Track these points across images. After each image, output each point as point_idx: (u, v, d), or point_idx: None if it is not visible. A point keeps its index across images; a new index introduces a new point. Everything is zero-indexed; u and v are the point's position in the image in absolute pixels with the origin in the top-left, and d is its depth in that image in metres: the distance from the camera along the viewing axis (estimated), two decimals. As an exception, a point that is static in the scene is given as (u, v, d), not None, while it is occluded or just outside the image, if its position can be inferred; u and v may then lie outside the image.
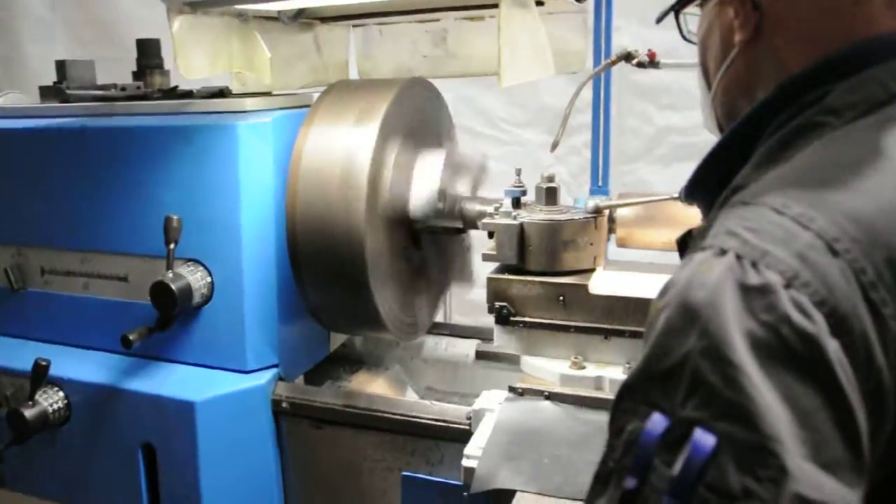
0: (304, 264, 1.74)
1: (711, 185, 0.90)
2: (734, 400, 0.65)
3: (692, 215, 1.67)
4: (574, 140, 3.37)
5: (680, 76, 3.19)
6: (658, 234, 1.76)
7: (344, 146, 1.71)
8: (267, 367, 1.84)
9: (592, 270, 1.69)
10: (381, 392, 2.05)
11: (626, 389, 0.73)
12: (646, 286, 1.64)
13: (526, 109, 3.55)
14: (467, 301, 2.61)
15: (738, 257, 0.70)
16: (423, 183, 1.78)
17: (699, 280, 0.70)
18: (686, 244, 0.92)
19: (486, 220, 1.70)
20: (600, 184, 2.89)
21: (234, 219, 1.76)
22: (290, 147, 1.77)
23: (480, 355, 2.14)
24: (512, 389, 1.62)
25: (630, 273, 1.76)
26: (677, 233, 1.72)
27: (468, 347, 2.22)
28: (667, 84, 3.24)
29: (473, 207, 1.87)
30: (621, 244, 1.80)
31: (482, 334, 2.24)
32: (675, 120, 3.28)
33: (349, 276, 1.68)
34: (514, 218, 1.67)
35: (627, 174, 3.36)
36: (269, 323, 1.83)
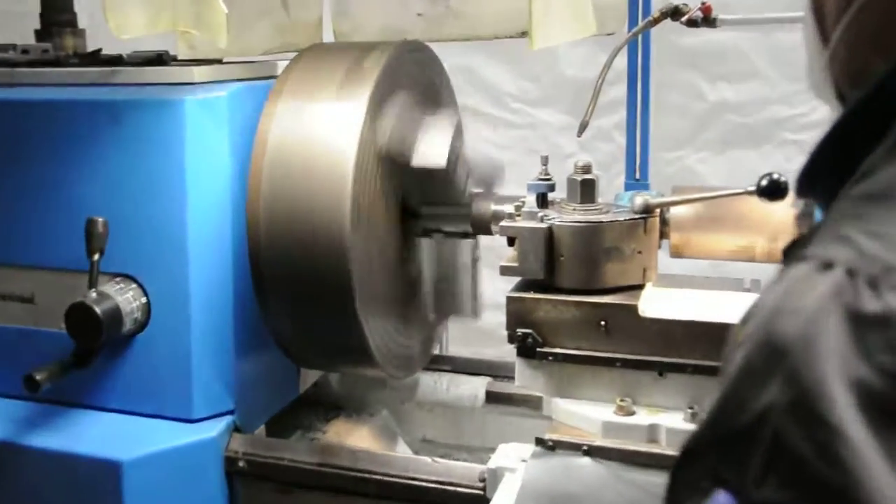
0: (270, 281, 1.73)
1: (831, 173, 0.84)
2: (832, 480, 0.59)
3: (772, 215, 1.69)
4: (602, 121, 3.36)
5: (738, 37, 3.19)
6: (725, 239, 1.73)
7: (322, 128, 1.69)
8: (219, 415, 1.83)
9: (641, 287, 1.67)
10: (365, 446, 2.04)
11: (686, 455, 0.69)
12: (713, 306, 1.60)
13: (541, 83, 3.54)
14: (472, 327, 2.57)
15: (851, 273, 0.65)
16: (429, 152, 1.77)
17: (791, 305, 0.66)
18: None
19: (504, 223, 1.68)
20: (637, 177, 2.89)
21: (178, 222, 1.75)
22: (251, 129, 1.77)
23: (493, 397, 2.16)
24: (540, 442, 1.59)
25: (690, 290, 1.73)
26: (749, 238, 1.76)
27: (476, 387, 2.19)
28: (721, 48, 3.25)
29: (487, 206, 1.84)
30: (676, 253, 1.76)
31: (493, 370, 2.23)
32: (730, 94, 3.29)
33: (329, 296, 1.68)
34: (541, 219, 1.66)
35: (670, 164, 3.37)
36: (223, 356, 1.82)
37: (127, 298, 1.75)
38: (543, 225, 1.64)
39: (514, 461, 1.65)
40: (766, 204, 1.60)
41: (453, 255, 1.89)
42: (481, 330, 3.01)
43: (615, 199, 1.78)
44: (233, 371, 1.84)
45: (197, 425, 1.80)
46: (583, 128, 2.08)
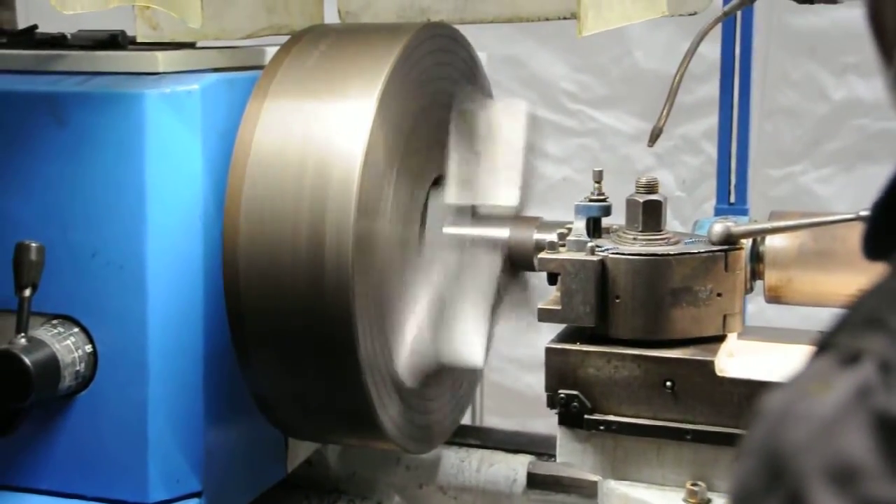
0: (252, 326, 1.76)
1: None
2: None
3: None
4: (688, 128, 3.38)
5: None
6: (837, 279, 1.75)
7: (320, 133, 1.73)
8: (183, 498, 1.85)
9: (722, 339, 1.70)
10: (371, 543, 2.07)
11: None
12: None
13: (608, 79, 3.58)
14: (509, 390, 2.58)
15: (884, 368, 0.65)
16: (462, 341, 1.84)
17: (802, 408, 0.66)
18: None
19: (545, 255, 1.71)
20: (733, 200, 2.90)
21: (134, 249, 1.78)
22: (230, 133, 1.80)
23: (536, 480, 2.17)
24: None
25: (785, 345, 1.76)
26: (871, 278, 1.77)
27: (514, 467, 2.22)
28: (851, 31, 3.24)
29: (528, 233, 1.90)
30: (774, 297, 1.80)
31: (535, 445, 2.26)
32: (864, 91, 3.28)
33: (326, 347, 1.71)
34: (592, 251, 1.68)
35: (779, 184, 3.38)
36: (190, 422, 1.85)
37: (66, 346, 1.76)
38: (594, 258, 1.67)
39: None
40: None
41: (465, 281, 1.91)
42: (523, 395, 3.05)
43: (694, 228, 1.82)
44: (201, 441, 1.85)
45: None
46: (656, 135, 2.11)
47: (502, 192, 1.92)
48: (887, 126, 3.26)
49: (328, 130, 1.74)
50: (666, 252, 1.67)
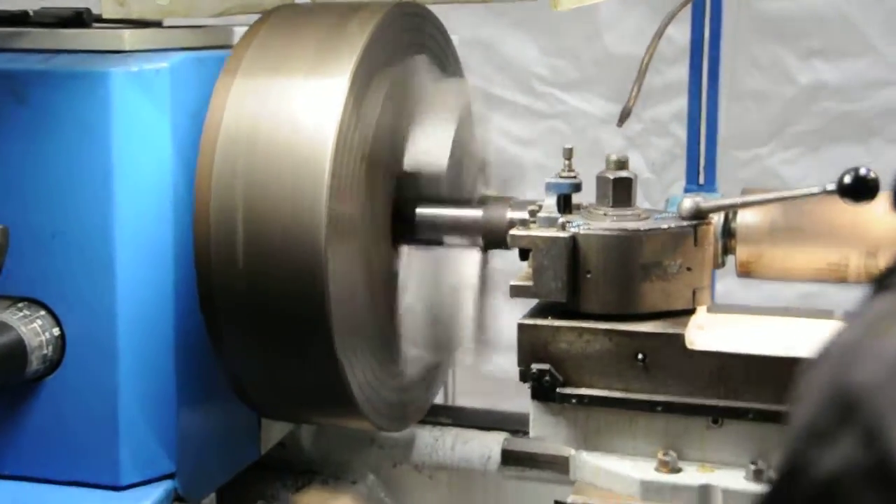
0: (224, 306, 1.74)
1: None
2: None
3: (871, 224, 1.71)
4: (657, 111, 3.36)
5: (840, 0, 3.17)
6: (808, 253, 1.76)
7: (292, 112, 1.71)
8: (155, 480, 1.82)
9: (691, 312, 1.69)
10: (345, 521, 2.05)
11: None
12: (783, 337, 1.62)
13: (578, 62, 3.54)
14: (486, 376, 2.55)
15: None
16: (426, 150, 1.81)
17: (871, 347, 0.67)
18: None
19: (516, 231, 1.69)
20: (702, 181, 2.88)
21: (102, 230, 1.74)
22: (199, 112, 1.77)
23: (511, 457, 2.16)
24: None
25: (754, 317, 1.76)
26: (840, 252, 1.76)
27: (488, 445, 2.20)
28: (817, 14, 3.23)
29: (501, 212, 1.87)
30: (745, 272, 1.79)
31: (510, 423, 2.24)
32: (829, 75, 3.29)
33: (300, 325, 1.70)
34: (563, 227, 1.66)
35: (747, 165, 3.37)
36: (162, 404, 1.82)
37: (33, 329, 1.73)
38: (565, 234, 1.65)
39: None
40: (863, 209, 1.64)
41: (454, 272, 1.89)
42: (498, 380, 3.03)
43: (666, 205, 1.81)
44: (174, 423, 1.83)
45: (127, 494, 1.78)
46: (625, 116, 2.14)
47: (432, 155, 1.86)
48: (851, 109, 3.25)
49: (299, 107, 1.71)
50: (636, 228, 1.66)
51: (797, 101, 3.32)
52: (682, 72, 3.05)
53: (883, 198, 1.61)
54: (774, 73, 3.32)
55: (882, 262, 1.72)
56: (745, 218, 1.75)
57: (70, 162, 1.75)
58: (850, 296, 1.66)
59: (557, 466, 2.10)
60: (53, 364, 1.78)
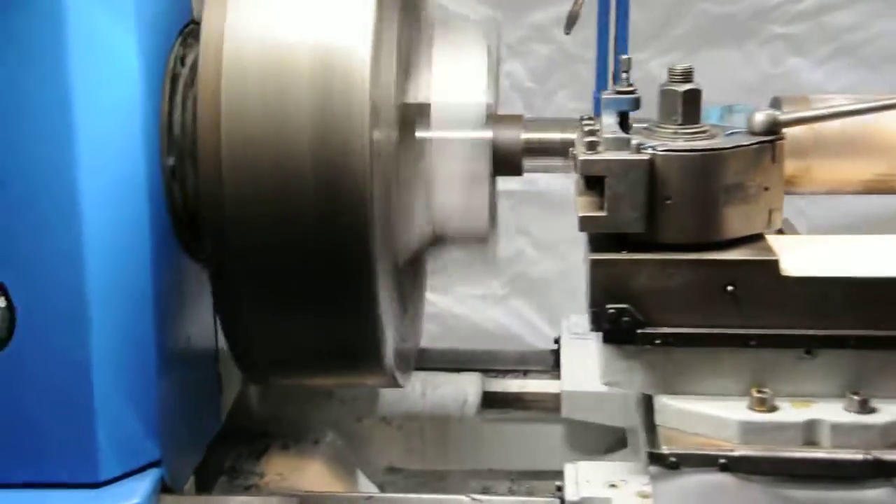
0: (240, 250, 1.56)
1: None
2: None
3: None
4: (538, 16, 3.20)
5: None
6: (856, 165, 1.72)
7: (311, 28, 1.52)
8: (140, 470, 1.67)
9: (759, 237, 1.60)
10: (321, 486, 1.93)
11: None
12: (875, 257, 1.57)
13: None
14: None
15: None
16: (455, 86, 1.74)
17: None
18: None
19: (587, 156, 1.53)
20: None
21: (62, 175, 1.55)
22: (171, 30, 1.66)
23: (493, 399, 2.10)
24: (656, 458, 1.51)
25: (826, 238, 1.68)
26: (889, 163, 1.72)
27: (463, 388, 2.13)
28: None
29: (514, 134, 1.77)
30: (792, 187, 1.71)
31: (484, 362, 2.18)
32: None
33: (341, 267, 1.54)
34: (637, 149, 1.52)
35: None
36: (142, 379, 1.66)
37: None
38: (642, 156, 1.51)
39: (598, 488, 1.56)
40: None
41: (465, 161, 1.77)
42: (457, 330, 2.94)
43: (716, 117, 1.71)
44: (155, 400, 1.67)
45: (108, 491, 1.63)
46: (572, 21, 2.11)
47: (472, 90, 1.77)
48: (731, 9, 3.21)
49: (321, 25, 1.53)
50: (721, 146, 1.53)
51: (675, 4, 3.25)
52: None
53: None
54: (656, -26, 3.23)
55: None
56: (791, 130, 1.64)
57: (18, 93, 1.53)
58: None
59: (546, 404, 2.08)
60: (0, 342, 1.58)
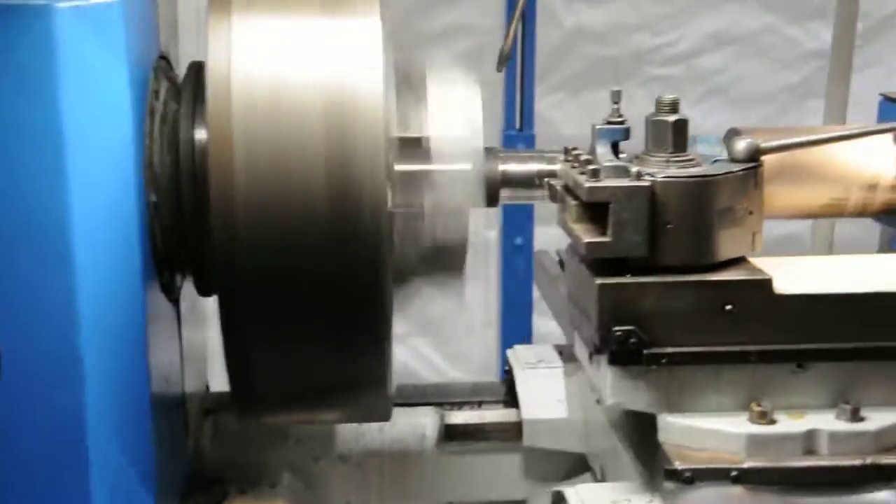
0: (252, 277, 1.53)
1: None
2: None
3: (869, 160, 1.77)
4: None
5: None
6: (814, 191, 1.80)
7: (319, 57, 1.52)
8: None
9: (745, 260, 1.66)
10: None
11: None
12: (856, 274, 1.64)
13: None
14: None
15: None
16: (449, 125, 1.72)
17: None
18: None
19: (592, 183, 1.55)
20: (520, 126, 2.81)
21: (53, 207, 1.52)
22: (148, 65, 1.63)
23: (454, 432, 2.07)
24: (671, 474, 1.52)
25: (800, 260, 1.76)
26: (843, 188, 1.81)
27: (421, 421, 2.09)
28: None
29: (492, 165, 1.78)
30: None
31: (441, 395, 2.16)
32: (590, 18, 3.35)
33: (356, 296, 1.53)
34: (638, 176, 1.56)
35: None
36: (137, 422, 1.60)
37: None
38: (644, 183, 1.55)
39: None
40: (863, 143, 1.71)
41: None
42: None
43: (693, 143, 1.71)
44: (151, 445, 1.61)
45: None
46: (504, 59, 2.10)
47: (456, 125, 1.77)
48: (613, 52, 3.35)
49: (329, 55, 1.52)
50: (714, 172, 1.59)
51: (563, 45, 3.36)
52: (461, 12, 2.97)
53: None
54: (544, 17, 3.32)
55: (881, 196, 1.79)
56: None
57: (8, 118, 1.49)
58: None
59: (506, 434, 2.06)
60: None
